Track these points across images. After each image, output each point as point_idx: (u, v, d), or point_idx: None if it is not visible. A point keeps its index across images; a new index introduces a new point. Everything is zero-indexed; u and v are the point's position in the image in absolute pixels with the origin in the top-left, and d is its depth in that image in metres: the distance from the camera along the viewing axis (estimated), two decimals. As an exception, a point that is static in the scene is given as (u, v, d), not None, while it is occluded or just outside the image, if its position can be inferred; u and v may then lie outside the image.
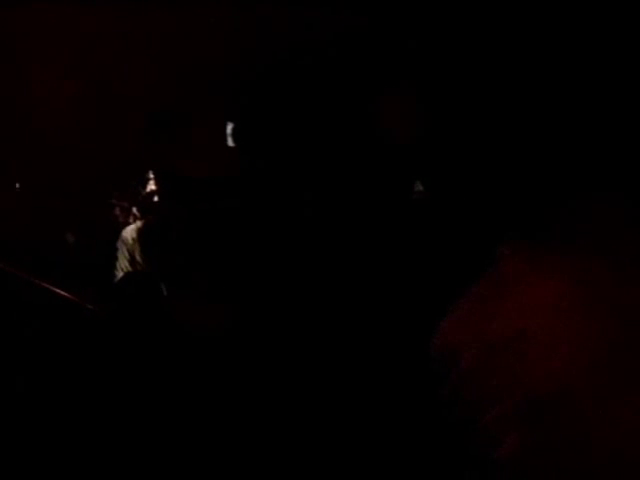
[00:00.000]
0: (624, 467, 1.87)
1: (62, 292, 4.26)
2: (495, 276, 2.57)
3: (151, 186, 5.09)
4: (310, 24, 3.93)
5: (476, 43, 3.27)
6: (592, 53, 2.75)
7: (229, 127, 4.49)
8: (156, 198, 5.08)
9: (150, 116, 4.53)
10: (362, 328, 3.78)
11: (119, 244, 5.09)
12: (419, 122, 3.56)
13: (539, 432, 2.15)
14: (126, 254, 5.05)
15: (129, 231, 5.10)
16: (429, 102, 3.53)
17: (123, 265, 5.04)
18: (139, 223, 5.13)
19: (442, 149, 3.52)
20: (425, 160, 3.73)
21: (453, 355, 2.54)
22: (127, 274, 4.96)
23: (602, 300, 1.94)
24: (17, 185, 5.02)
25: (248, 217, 4.33)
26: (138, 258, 5.04)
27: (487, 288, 2.59)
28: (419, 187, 4.10)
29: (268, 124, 4.31)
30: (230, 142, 4.45)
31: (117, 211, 5.17)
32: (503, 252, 2.55)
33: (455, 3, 3.36)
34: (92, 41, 4.26)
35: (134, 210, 5.15)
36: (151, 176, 5.09)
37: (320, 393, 3.60)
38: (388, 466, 3.23)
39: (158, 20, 4.15)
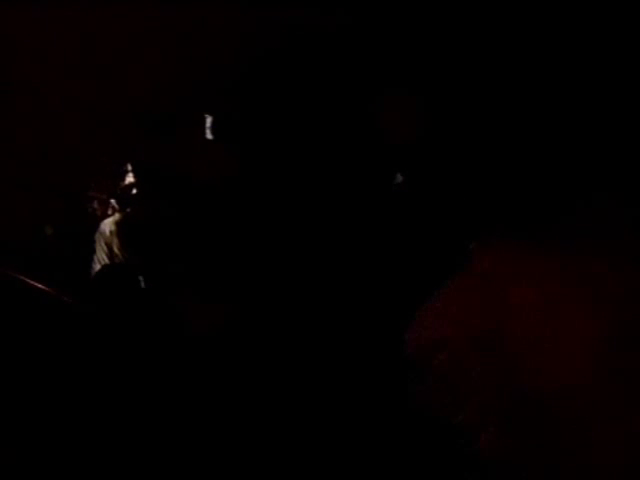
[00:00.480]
0: (625, 466, 1.90)
1: (39, 284, 4.23)
2: (475, 271, 2.59)
3: (129, 178, 5.07)
4: (309, 25, 3.94)
5: (476, 43, 3.30)
6: (592, 55, 2.78)
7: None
8: (134, 191, 5.06)
9: (149, 116, 4.52)
10: (348, 324, 3.80)
11: (97, 237, 5.06)
12: (416, 122, 3.58)
13: (522, 425, 2.18)
14: (104, 247, 5.02)
15: (107, 224, 5.07)
16: (426, 102, 3.55)
17: (101, 257, 5.01)
18: (117, 216, 5.11)
19: (437, 147, 3.54)
20: (417, 156, 3.75)
21: (431, 350, 2.56)
22: (105, 266, 4.94)
23: (602, 300, 1.98)
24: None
25: (243, 216, 4.33)
26: (116, 251, 5.02)
27: (466, 283, 2.61)
28: (399, 179, 4.12)
29: (265, 123, 4.31)
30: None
31: (95, 203, 5.14)
32: (480, 247, 2.58)
33: (455, 4, 3.39)
34: (82, 39, 4.25)
35: (112, 202, 5.13)
36: (129, 168, 5.07)
37: (314, 392, 3.61)
38: (380, 466, 3.25)
39: (157, 21, 4.14)
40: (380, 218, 4.04)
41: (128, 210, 5.10)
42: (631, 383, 1.87)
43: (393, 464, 3.19)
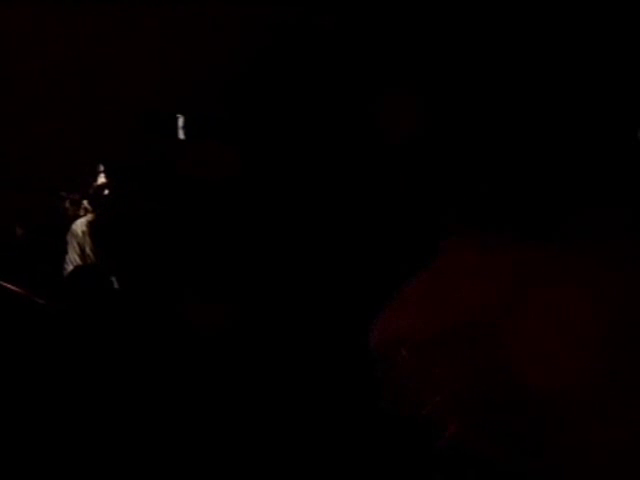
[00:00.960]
0: (625, 466, 1.91)
1: (10, 285, 4.21)
2: (442, 268, 2.59)
3: (102, 179, 5.05)
4: (309, 24, 3.94)
5: (476, 44, 3.30)
6: (591, 56, 2.81)
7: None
8: (106, 191, 5.04)
9: (148, 116, 4.50)
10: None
11: (69, 237, 5.04)
12: (416, 122, 3.57)
13: (505, 425, 2.19)
14: (76, 247, 5.00)
15: (79, 224, 5.05)
16: (427, 102, 3.55)
17: (73, 258, 4.98)
18: (90, 216, 5.08)
19: (437, 147, 3.53)
20: (417, 156, 3.74)
21: (397, 344, 2.55)
22: (77, 267, 4.91)
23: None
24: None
25: (243, 216, 4.32)
26: (88, 251, 4.99)
27: (434, 280, 2.60)
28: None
29: (265, 123, 4.30)
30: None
31: (67, 204, 5.12)
32: (449, 245, 2.58)
33: (455, 3, 3.40)
34: (81, 39, 4.23)
35: (85, 203, 5.11)
36: (101, 169, 5.05)
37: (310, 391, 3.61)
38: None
39: (156, 21, 4.13)
40: (378, 216, 4.02)
41: (101, 211, 5.08)
42: (631, 384, 1.88)
43: (359, 461, 3.19)
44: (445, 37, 3.48)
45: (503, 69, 3.16)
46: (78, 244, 5.01)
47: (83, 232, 5.03)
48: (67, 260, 5.00)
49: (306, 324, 3.91)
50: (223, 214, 4.41)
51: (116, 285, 4.68)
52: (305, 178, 4.19)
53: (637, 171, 2.24)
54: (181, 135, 4.61)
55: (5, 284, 4.20)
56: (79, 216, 5.11)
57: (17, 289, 4.21)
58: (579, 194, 2.23)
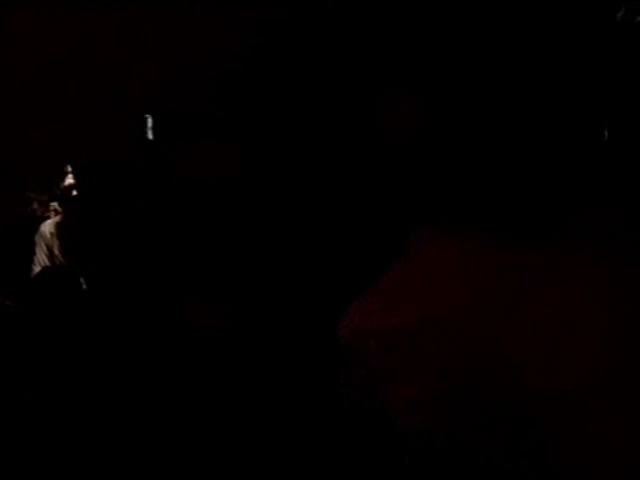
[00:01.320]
0: (624, 466, 1.93)
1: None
2: (413, 262, 2.59)
3: (70, 179, 5.01)
4: (309, 23, 3.94)
5: (476, 44, 3.31)
6: (591, 57, 2.84)
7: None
8: (75, 192, 5.00)
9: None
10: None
11: (37, 238, 4.99)
12: (416, 122, 3.57)
13: (473, 413, 2.19)
14: (44, 249, 4.95)
15: (48, 225, 5.00)
16: (427, 102, 3.55)
17: (41, 260, 4.94)
18: (58, 217, 5.05)
19: (437, 147, 3.52)
20: (417, 156, 3.74)
21: (366, 337, 2.55)
22: (45, 269, 4.86)
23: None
24: None
25: (242, 216, 4.30)
26: (57, 252, 4.95)
27: (404, 274, 2.60)
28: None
29: (264, 123, 4.28)
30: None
31: (35, 205, 5.08)
32: (422, 239, 2.59)
33: (455, 3, 3.41)
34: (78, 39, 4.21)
35: (54, 204, 5.07)
36: (69, 169, 5.01)
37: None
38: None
39: (154, 21, 4.11)
40: (372, 213, 4.01)
41: (69, 212, 5.04)
42: (631, 383, 1.90)
43: (325, 457, 3.18)
44: (445, 37, 3.49)
45: (501, 70, 3.18)
46: (46, 245, 4.97)
47: (51, 233, 4.99)
48: (35, 261, 4.95)
49: (301, 321, 3.91)
50: (221, 214, 4.39)
51: (85, 286, 4.64)
52: (304, 178, 4.19)
53: (636, 171, 2.27)
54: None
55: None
56: (47, 217, 5.08)
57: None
58: (578, 194, 2.25)
